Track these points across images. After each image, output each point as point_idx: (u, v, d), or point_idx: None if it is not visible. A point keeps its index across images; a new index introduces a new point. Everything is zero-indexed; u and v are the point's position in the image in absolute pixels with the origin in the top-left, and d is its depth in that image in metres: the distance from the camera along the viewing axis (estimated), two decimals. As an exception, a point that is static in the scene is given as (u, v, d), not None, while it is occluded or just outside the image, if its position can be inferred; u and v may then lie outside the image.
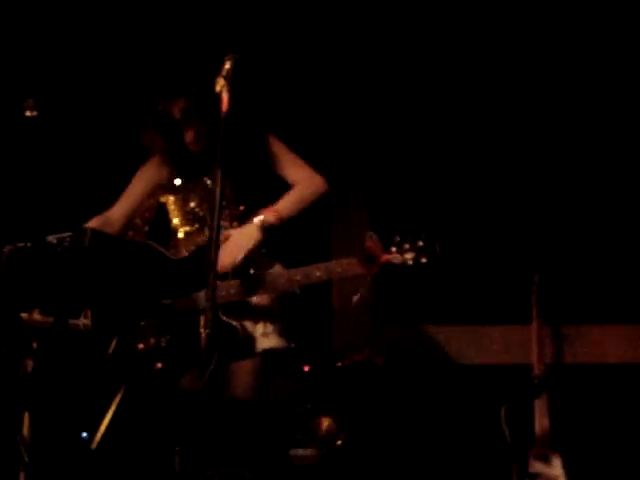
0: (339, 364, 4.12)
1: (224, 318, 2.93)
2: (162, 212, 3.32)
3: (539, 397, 3.76)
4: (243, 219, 3.16)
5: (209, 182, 3.15)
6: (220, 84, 2.63)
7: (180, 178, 3.22)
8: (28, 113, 2.93)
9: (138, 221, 3.28)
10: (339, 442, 3.83)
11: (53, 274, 2.74)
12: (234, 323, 2.95)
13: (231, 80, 2.63)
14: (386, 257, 2.91)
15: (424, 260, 2.91)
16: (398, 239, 2.92)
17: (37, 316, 3.00)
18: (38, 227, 2.83)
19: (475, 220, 4.45)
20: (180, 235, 3.22)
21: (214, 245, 2.54)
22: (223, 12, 4.26)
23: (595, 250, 4.37)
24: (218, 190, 2.56)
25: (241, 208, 3.19)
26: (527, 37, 4.42)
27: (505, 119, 4.48)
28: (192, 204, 3.20)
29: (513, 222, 4.42)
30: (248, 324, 3.02)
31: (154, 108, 3.10)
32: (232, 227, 3.12)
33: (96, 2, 4.26)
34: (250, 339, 3.00)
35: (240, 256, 2.96)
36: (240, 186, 3.16)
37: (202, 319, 2.51)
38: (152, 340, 2.95)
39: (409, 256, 2.91)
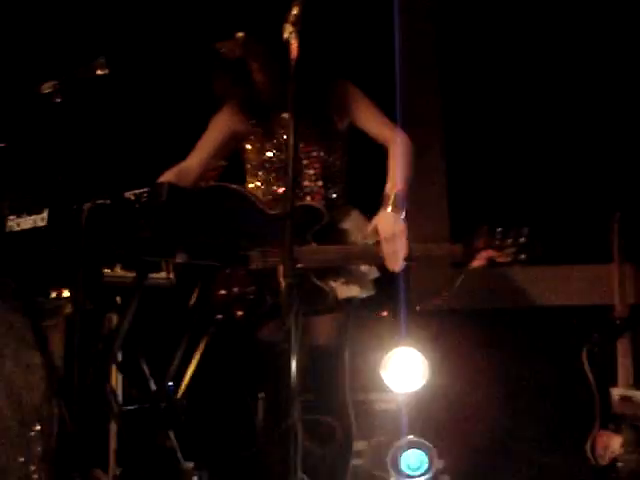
0: (418, 307, 4.12)
1: (316, 281, 2.94)
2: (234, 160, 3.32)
3: (622, 337, 3.70)
4: (332, 200, 3.14)
5: (284, 131, 3.13)
6: (288, 30, 2.60)
7: (256, 126, 3.21)
8: (99, 72, 2.94)
9: (212, 172, 3.29)
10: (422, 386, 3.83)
11: (133, 230, 2.77)
12: (325, 287, 2.95)
13: (299, 26, 2.59)
14: (489, 253, 2.89)
15: (523, 257, 2.88)
16: (500, 232, 2.89)
17: (119, 271, 3.06)
18: (116, 183, 2.87)
19: (555, 158, 4.36)
20: (257, 184, 3.20)
21: (291, 195, 2.54)
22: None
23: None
24: (292, 139, 2.54)
25: (329, 193, 3.15)
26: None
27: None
28: (268, 153, 3.19)
29: (593, 160, 4.32)
30: (330, 274, 3.02)
31: (217, 51, 3.08)
32: (317, 186, 3.11)
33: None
34: (337, 300, 3.00)
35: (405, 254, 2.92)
36: (322, 141, 3.13)
37: (280, 269, 2.52)
38: (235, 289, 2.98)
39: (509, 253, 2.88)
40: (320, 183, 3.14)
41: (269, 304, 2.94)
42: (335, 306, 3.00)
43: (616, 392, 3.64)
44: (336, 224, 3.11)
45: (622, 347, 3.70)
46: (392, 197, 2.96)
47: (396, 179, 3.00)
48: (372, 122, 3.14)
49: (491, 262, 2.91)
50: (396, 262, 2.90)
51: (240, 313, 2.97)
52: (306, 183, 3.14)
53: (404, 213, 2.97)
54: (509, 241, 2.89)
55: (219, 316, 3.00)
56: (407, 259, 2.93)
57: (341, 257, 2.97)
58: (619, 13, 4.33)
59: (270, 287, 2.92)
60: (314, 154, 3.14)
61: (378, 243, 2.93)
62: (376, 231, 2.94)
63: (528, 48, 4.45)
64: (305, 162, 3.13)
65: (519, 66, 4.46)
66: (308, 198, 3.13)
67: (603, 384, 3.68)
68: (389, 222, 2.92)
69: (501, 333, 4.10)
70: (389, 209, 2.95)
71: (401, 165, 3.03)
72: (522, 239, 2.88)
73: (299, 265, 2.81)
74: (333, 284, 3.02)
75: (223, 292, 2.98)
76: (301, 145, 3.10)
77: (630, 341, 3.70)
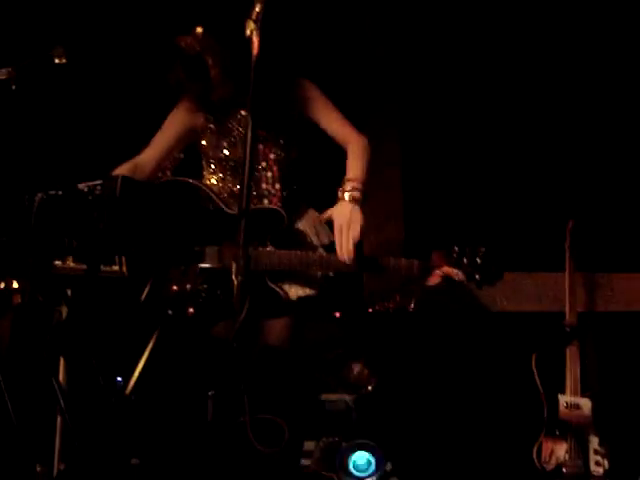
0: (370, 310, 4.13)
1: (270, 284, 2.94)
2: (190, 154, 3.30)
3: (571, 345, 3.75)
4: (291, 200, 3.14)
5: (241, 129, 3.12)
6: (250, 27, 2.58)
7: (213, 122, 3.19)
8: (57, 60, 2.90)
9: (167, 163, 3.26)
10: (370, 387, 3.85)
11: (85, 222, 2.73)
12: (279, 291, 2.96)
13: (261, 23, 2.58)
14: (445, 270, 2.91)
15: (477, 277, 2.90)
16: (457, 251, 2.91)
17: (71, 264, 3.02)
18: (69, 175, 2.83)
19: (508, 167, 4.40)
20: (212, 181, 3.20)
21: (246, 192, 2.52)
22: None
23: (629, 197, 4.30)
24: (249, 136, 2.53)
25: (284, 193, 3.15)
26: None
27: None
28: (225, 151, 3.17)
29: (546, 169, 4.36)
30: (283, 273, 3.02)
31: (174, 45, 3.05)
32: (275, 189, 3.10)
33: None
34: (291, 302, 3.01)
35: (357, 241, 2.91)
36: (280, 139, 3.13)
37: (234, 266, 2.51)
38: (188, 285, 2.96)
39: (465, 271, 2.91)
40: (278, 186, 3.14)
41: (220, 303, 2.93)
42: (288, 309, 3.00)
43: (563, 399, 3.68)
44: (292, 225, 3.11)
45: (571, 354, 3.74)
46: (349, 189, 2.96)
47: (354, 173, 3.01)
48: (332, 121, 3.14)
49: (446, 280, 2.93)
50: (348, 252, 2.90)
51: (191, 310, 2.96)
52: (264, 186, 3.13)
53: (360, 205, 2.96)
54: (465, 260, 2.91)
55: (170, 311, 2.98)
56: (359, 258, 2.92)
57: (298, 263, 2.96)
58: (580, 51, 4.39)
59: (223, 286, 2.91)
60: (272, 156, 3.14)
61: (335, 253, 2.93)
62: (330, 218, 2.95)
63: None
64: (263, 164, 3.13)
65: (469, 79, 4.49)
66: (266, 201, 3.13)
67: (551, 391, 3.71)
68: (344, 211, 2.92)
69: (452, 336, 4.12)
70: (346, 199, 2.95)
71: (360, 162, 3.04)
72: (478, 259, 2.90)
73: (255, 268, 2.82)
74: (286, 284, 3.02)
75: (176, 288, 2.97)
76: (260, 146, 3.10)
77: (578, 349, 3.74)
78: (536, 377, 3.71)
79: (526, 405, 3.78)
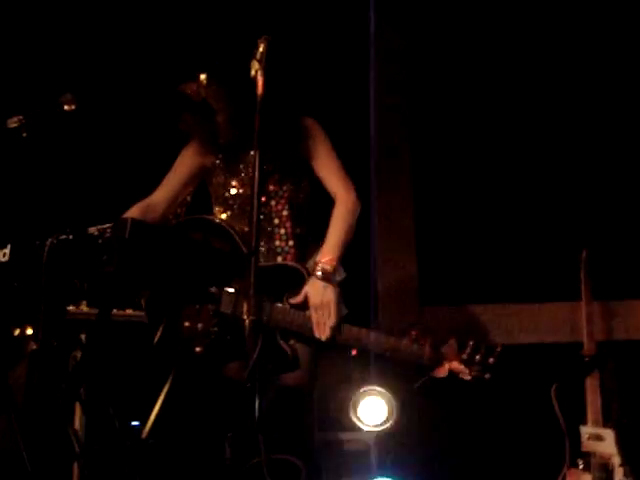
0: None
1: (280, 341, 2.94)
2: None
3: (590, 375, 3.70)
4: (302, 241, 3.15)
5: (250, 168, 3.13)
6: (254, 67, 2.61)
7: (222, 161, 3.21)
8: (66, 107, 2.93)
9: (178, 206, 3.28)
10: (389, 424, 3.81)
11: (96, 266, 2.74)
12: (286, 348, 2.95)
13: (265, 63, 2.60)
14: (455, 366, 2.89)
15: (487, 376, 2.88)
16: (471, 346, 2.89)
17: (84, 308, 3.03)
18: (79, 219, 2.85)
19: (522, 197, 4.39)
20: (222, 218, 3.19)
21: (254, 231, 2.53)
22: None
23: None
24: (257, 173, 2.54)
25: (298, 231, 3.17)
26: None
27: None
28: (233, 190, 3.19)
29: (560, 198, 4.35)
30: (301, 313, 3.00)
31: (182, 90, 3.09)
32: (288, 246, 3.12)
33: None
34: (297, 361, 2.99)
35: (335, 323, 2.93)
36: (287, 179, 3.14)
37: (245, 306, 2.51)
38: (200, 325, 2.96)
39: (474, 370, 2.88)
40: (291, 243, 3.15)
41: (229, 346, 2.92)
42: (293, 366, 2.98)
43: (585, 430, 3.63)
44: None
45: (591, 385, 3.70)
46: (321, 267, 2.96)
47: (330, 247, 3.01)
48: (328, 173, 3.15)
49: (453, 375, 2.90)
50: (323, 331, 2.92)
51: (199, 349, 2.95)
52: (277, 243, 3.14)
53: (334, 281, 2.97)
54: (477, 357, 2.88)
55: (178, 347, 2.97)
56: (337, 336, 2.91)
57: (309, 330, 2.94)
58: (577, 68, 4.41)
59: (234, 331, 2.91)
60: (283, 198, 3.15)
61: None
62: (305, 297, 2.95)
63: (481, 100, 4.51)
64: (275, 221, 3.14)
65: (480, 113, 4.50)
66: (279, 258, 3.13)
67: (572, 422, 3.66)
68: (318, 291, 2.94)
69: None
70: (319, 277, 2.95)
71: (339, 230, 3.04)
72: (491, 359, 2.87)
73: (267, 323, 2.85)
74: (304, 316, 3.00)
75: (187, 325, 2.96)
76: (271, 187, 3.12)
77: (598, 378, 3.70)
78: (556, 409, 3.66)
79: (547, 438, 3.72)
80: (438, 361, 2.91)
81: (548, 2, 4.43)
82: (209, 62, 3.08)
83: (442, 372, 2.90)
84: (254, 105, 2.58)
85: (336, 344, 2.96)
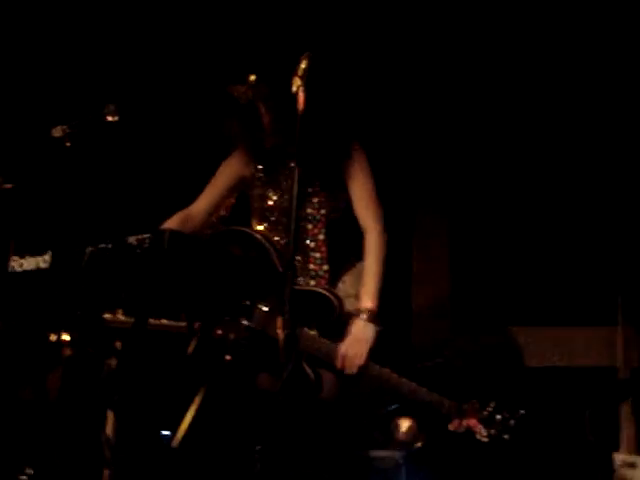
0: (419, 365, 4.08)
1: (305, 366, 2.95)
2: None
3: (625, 401, 3.66)
4: (335, 263, 3.17)
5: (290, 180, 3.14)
6: (296, 83, 2.62)
7: (262, 172, 3.22)
8: (109, 118, 2.98)
9: (218, 215, 3.31)
10: (419, 444, 3.79)
11: (134, 275, 2.77)
12: (309, 372, 2.96)
13: (307, 79, 2.62)
14: (473, 423, 2.90)
15: (506, 437, 2.88)
16: (493, 406, 2.90)
17: (120, 316, 3.05)
18: (119, 228, 2.88)
19: (560, 220, 4.37)
20: (260, 229, 3.21)
21: (292, 245, 2.54)
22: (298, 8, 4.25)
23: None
24: (296, 188, 2.56)
25: (332, 254, 3.18)
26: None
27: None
28: (272, 202, 3.21)
29: (598, 223, 4.32)
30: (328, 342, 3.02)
31: (229, 95, 3.12)
32: (322, 271, 3.15)
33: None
34: (320, 385, 3.01)
35: (364, 359, 2.98)
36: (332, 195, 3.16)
37: (279, 320, 2.52)
38: (232, 335, 2.98)
39: (493, 430, 2.89)
40: (326, 267, 3.16)
41: (258, 359, 2.94)
42: (317, 392, 2.99)
43: (618, 457, 3.59)
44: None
45: (625, 411, 3.66)
46: (366, 311, 3.00)
47: (370, 294, 3.04)
48: (361, 197, 3.15)
49: (468, 433, 2.92)
50: (351, 367, 2.94)
51: (228, 358, 2.96)
52: (311, 266, 3.15)
53: (376, 323, 3.01)
54: (498, 417, 2.89)
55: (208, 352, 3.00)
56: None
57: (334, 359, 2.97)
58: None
59: (265, 346, 2.92)
60: (322, 212, 3.16)
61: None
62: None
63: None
64: (311, 244, 3.16)
65: (514, 138, 4.49)
66: (312, 282, 3.14)
67: (606, 449, 3.62)
68: (359, 330, 2.97)
69: (502, 392, 4.05)
70: (363, 319, 2.99)
71: (376, 273, 3.07)
72: (512, 421, 2.88)
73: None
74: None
75: (220, 332, 2.98)
76: (309, 210, 3.14)
77: (632, 405, 3.66)
78: (589, 434, 3.62)
79: (580, 464, 3.68)
80: (457, 413, 2.93)
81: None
82: (258, 65, 3.11)
83: (457, 426, 2.93)
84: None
85: (359, 381, 2.98)
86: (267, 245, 3.10)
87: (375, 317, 3.02)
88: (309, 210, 3.15)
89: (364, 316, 3.00)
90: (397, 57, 4.42)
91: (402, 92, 4.49)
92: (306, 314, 2.99)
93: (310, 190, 3.12)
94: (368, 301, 3.03)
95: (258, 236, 3.14)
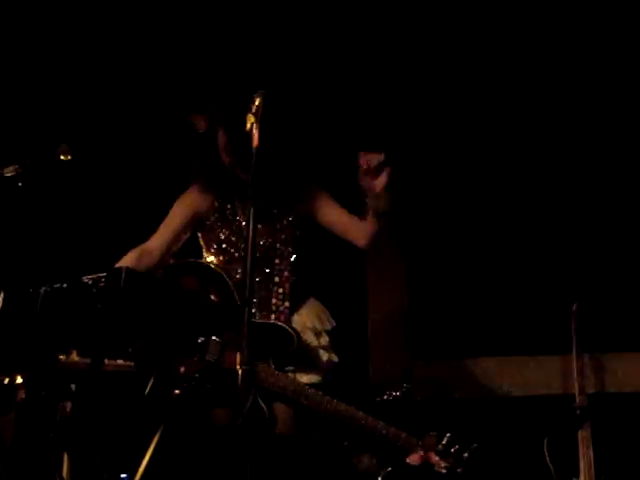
0: (378, 399, 4.08)
1: (260, 402, 2.94)
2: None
3: (582, 428, 3.69)
4: (295, 299, 3.19)
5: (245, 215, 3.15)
6: (250, 120, 2.64)
7: (219, 205, 3.23)
8: (62, 157, 2.96)
9: (169, 254, 3.29)
10: (379, 479, 3.77)
11: (90, 315, 2.74)
12: (263, 407, 2.96)
13: (260, 117, 2.64)
14: (431, 456, 2.94)
15: (459, 470, 2.93)
16: (448, 437, 2.96)
17: (75, 358, 3.01)
18: (75, 268, 2.85)
19: (513, 250, 4.41)
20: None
21: (249, 282, 2.54)
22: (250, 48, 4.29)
23: (634, 277, 4.30)
24: (251, 226, 2.56)
25: (294, 291, 3.20)
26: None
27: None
28: (225, 235, 3.21)
29: (550, 252, 4.37)
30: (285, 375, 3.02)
31: (185, 123, 3.15)
32: (283, 306, 3.16)
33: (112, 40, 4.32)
34: (274, 420, 3.00)
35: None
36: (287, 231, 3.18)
37: (238, 356, 2.51)
38: (182, 369, 2.95)
39: (446, 461, 2.93)
40: (287, 304, 3.18)
41: (207, 394, 2.92)
42: (271, 427, 2.99)
43: (578, 484, 3.61)
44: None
45: (583, 437, 3.69)
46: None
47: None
48: (339, 214, 3.23)
49: (426, 464, 2.95)
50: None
51: (177, 392, 2.94)
52: (274, 301, 3.18)
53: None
54: (452, 450, 2.94)
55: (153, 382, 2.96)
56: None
57: (292, 393, 2.97)
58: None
59: (216, 380, 2.91)
60: (284, 267, 3.18)
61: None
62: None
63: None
64: (276, 279, 3.18)
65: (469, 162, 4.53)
66: (273, 316, 3.15)
67: (565, 476, 3.64)
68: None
69: (460, 424, 4.06)
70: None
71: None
72: (465, 454, 2.93)
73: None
74: (290, 371, 3.00)
75: (173, 368, 2.96)
76: (277, 245, 3.16)
77: (591, 431, 3.69)
78: (549, 462, 3.64)
79: (540, 492, 3.70)
80: (413, 446, 2.96)
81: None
82: (214, 97, 3.13)
83: (415, 459, 2.96)
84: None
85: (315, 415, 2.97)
86: (226, 278, 3.10)
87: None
88: (278, 245, 3.17)
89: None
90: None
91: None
92: (262, 347, 2.98)
93: (279, 226, 3.14)
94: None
95: (217, 269, 3.13)
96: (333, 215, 3.22)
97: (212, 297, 3.06)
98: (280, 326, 3.05)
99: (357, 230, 3.18)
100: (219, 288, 3.09)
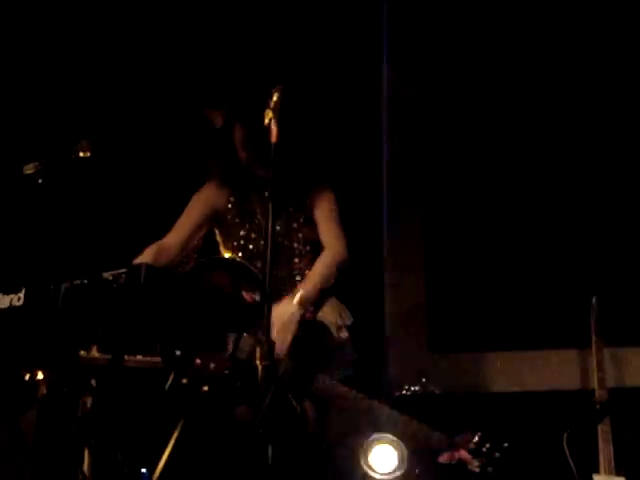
0: (397, 394, 4.08)
1: (292, 400, 2.97)
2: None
3: (602, 422, 3.68)
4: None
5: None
6: (268, 116, 2.64)
7: (236, 201, 3.24)
8: (82, 154, 2.97)
9: (191, 247, 3.30)
10: (401, 472, 3.77)
11: (110, 311, 2.75)
12: (295, 405, 2.97)
13: (279, 112, 2.64)
14: (464, 455, 2.96)
15: (490, 470, 2.94)
16: (480, 436, 2.97)
17: (95, 353, 3.02)
18: (95, 264, 2.86)
19: (534, 243, 4.40)
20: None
21: (268, 276, 2.54)
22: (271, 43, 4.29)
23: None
24: (270, 222, 2.56)
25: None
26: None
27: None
28: (245, 232, 3.21)
29: (570, 245, 4.36)
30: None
31: (202, 117, 3.16)
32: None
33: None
34: (305, 418, 3.01)
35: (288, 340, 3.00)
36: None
37: (258, 351, 2.51)
38: (212, 365, 2.96)
39: (482, 460, 2.94)
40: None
41: (237, 391, 2.92)
42: (303, 425, 3.00)
43: (598, 478, 3.60)
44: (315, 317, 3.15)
45: (603, 432, 3.67)
46: (300, 293, 3.05)
47: (311, 280, 3.10)
48: (326, 221, 3.23)
49: (459, 463, 2.97)
50: (280, 346, 2.93)
51: (205, 388, 2.94)
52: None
53: (306, 310, 3.06)
54: (484, 449, 2.94)
55: (184, 380, 2.97)
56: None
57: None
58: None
59: (246, 377, 2.91)
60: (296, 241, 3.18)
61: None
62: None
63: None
64: (296, 260, 3.20)
65: (489, 159, 4.53)
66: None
67: (585, 471, 3.63)
68: (285, 311, 3.00)
69: (480, 418, 4.05)
70: (294, 301, 3.03)
71: (321, 274, 3.13)
72: (497, 453, 2.94)
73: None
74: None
75: (199, 362, 2.96)
76: (295, 244, 3.19)
77: (610, 426, 3.67)
78: (568, 457, 3.63)
79: (560, 486, 3.69)
80: (447, 446, 2.97)
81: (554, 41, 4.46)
82: (232, 92, 3.14)
83: (448, 458, 2.97)
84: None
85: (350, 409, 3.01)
86: (255, 271, 3.11)
87: (307, 300, 3.05)
88: (295, 245, 3.18)
89: (295, 300, 3.04)
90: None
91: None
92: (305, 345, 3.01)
93: (295, 225, 3.15)
94: (304, 285, 3.08)
95: (245, 262, 3.14)
96: (320, 218, 3.22)
97: (244, 294, 3.06)
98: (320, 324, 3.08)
99: (325, 242, 3.21)
100: (251, 280, 3.09)
